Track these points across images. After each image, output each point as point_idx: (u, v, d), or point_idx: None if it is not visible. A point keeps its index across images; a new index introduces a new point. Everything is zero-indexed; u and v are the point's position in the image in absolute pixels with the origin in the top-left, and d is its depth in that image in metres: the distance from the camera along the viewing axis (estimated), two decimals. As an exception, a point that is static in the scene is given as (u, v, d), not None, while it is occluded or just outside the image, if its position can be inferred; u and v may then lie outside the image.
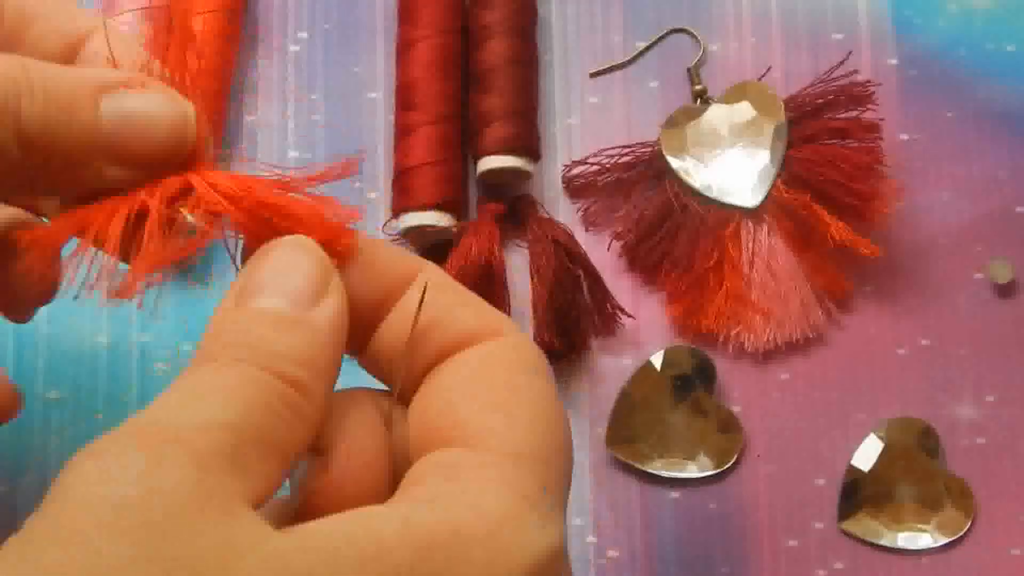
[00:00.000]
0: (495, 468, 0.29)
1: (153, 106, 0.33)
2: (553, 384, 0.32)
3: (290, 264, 0.31)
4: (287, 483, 0.30)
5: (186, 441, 0.27)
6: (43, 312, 0.50)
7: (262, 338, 0.30)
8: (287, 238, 0.32)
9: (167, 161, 0.33)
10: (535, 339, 0.50)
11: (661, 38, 0.55)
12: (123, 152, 0.32)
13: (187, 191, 0.33)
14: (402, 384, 0.32)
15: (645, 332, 0.52)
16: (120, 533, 0.25)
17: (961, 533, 0.50)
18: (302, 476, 0.30)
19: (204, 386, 0.29)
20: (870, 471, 0.50)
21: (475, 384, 0.31)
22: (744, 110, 0.53)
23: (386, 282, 0.33)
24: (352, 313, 0.32)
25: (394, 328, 0.32)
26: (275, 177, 0.34)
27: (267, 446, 0.28)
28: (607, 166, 0.53)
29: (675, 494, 0.50)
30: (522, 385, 0.31)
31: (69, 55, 0.36)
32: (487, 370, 0.31)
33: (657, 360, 0.51)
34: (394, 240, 0.52)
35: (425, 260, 0.34)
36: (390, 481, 0.31)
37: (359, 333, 0.32)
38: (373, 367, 0.33)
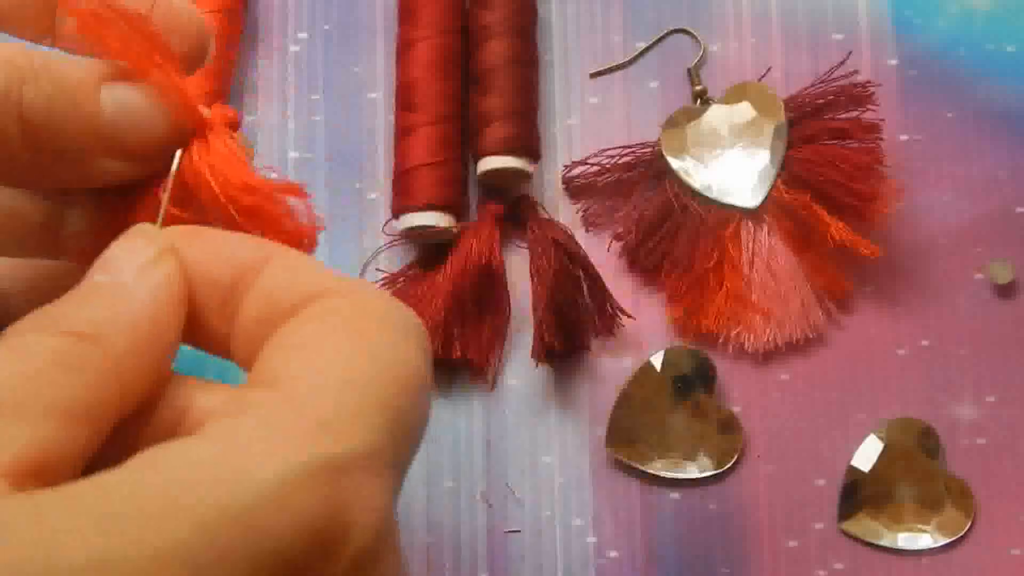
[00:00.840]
0: (267, 409, 0.28)
1: (149, 96, 0.32)
2: (401, 326, 0.31)
3: (123, 246, 0.31)
4: None
5: None
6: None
7: (52, 308, 0.29)
8: (131, 228, 0.32)
9: (167, 151, 0.33)
10: (535, 339, 0.50)
11: (661, 38, 0.55)
12: (123, 144, 0.32)
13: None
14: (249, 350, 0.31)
15: (645, 333, 0.52)
16: None
17: (961, 533, 0.50)
18: None
19: None
20: (870, 471, 0.50)
21: (289, 332, 0.30)
22: (744, 110, 0.53)
23: (235, 269, 0.32)
24: (206, 304, 0.31)
25: (248, 312, 0.31)
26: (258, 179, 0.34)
27: (30, 406, 0.27)
28: (607, 166, 0.53)
29: (675, 495, 0.50)
30: (342, 326, 0.30)
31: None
32: (309, 316, 0.30)
33: (657, 361, 0.51)
34: (394, 240, 0.52)
35: (279, 245, 0.33)
36: None
37: (219, 324, 0.32)
38: (240, 357, 0.32)
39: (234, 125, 0.34)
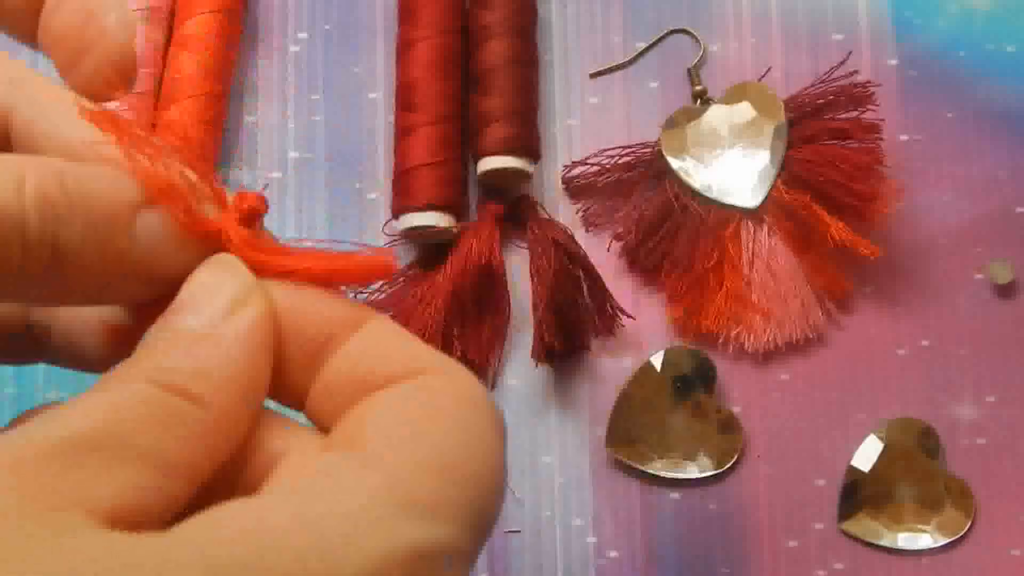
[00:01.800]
0: (363, 467, 0.28)
1: (165, 227, 0.31)
2: (491, 416, 0.31)
3: (208, 282, 0.31)
4: None
5: (13, 449, 0.26)
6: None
7: (156, 356, 0.29)
8: (211, 257, 0.31)
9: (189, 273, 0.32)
10: (535, 339, 0.50)
11: (661, 39, 0.55)
12: (156, 273, 0.31)
13: None
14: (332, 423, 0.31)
15: (645, 333, 0.52)
16: None
17: (961, 533, 0.50)
18: None
19: (75, 402, 0.29)
20: (870, 471, 0.50)
21: (388, 404, 0.30)
22: (744, 110, 0.53)
23: (328, 326, 0.32)
24: (292, 357, 0.31)
25: (335, 372, 0.31)
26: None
27: (130, 452, 0.27)
28: (607, 166, 0.53)
29: (675, 495, 0.50)
30: (442, 409, 0.30)
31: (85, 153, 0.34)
32: (409, 393, 0.30)
33: (657, 361, 0.51)
34: (394, 240, 0.52)
35: (374, 311, 0.33)
36: None
37: (300, 378, 0.32)
38: (316, 414, 0.32)
39: (256, 213, 0.32)
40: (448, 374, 0.31)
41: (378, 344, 0.31)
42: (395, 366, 0.31)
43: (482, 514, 0.29)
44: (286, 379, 0.31)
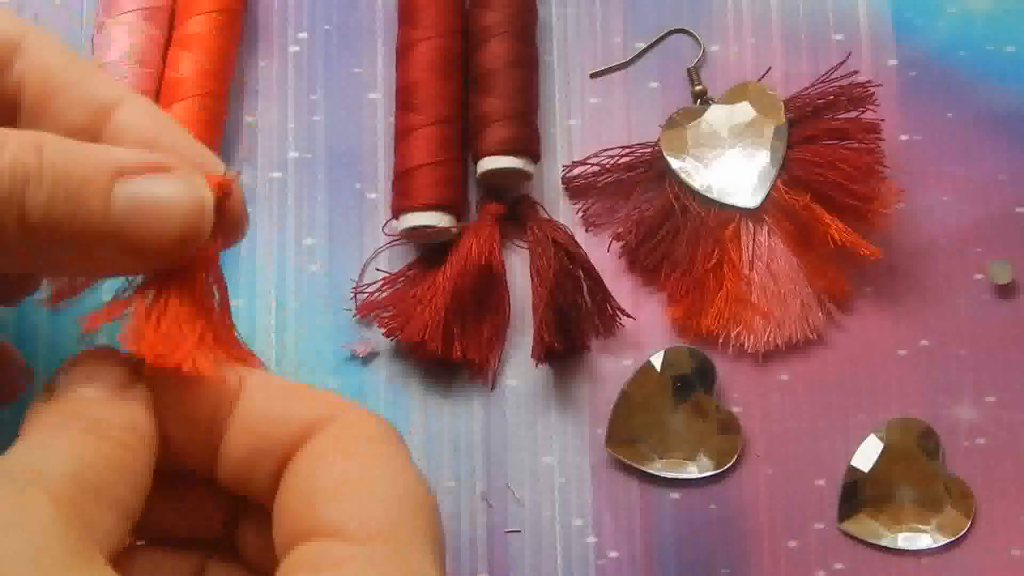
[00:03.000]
0: (356, 558, 0.29)
1: (167, 193, 0.32)
2: (404, 448, 0.33)
3: (97, 368, 0.32)
4: None
5: (44, 483, 0.28)
6: (43, 312, 0.50)
7: (88, 408, 0.31)
8: (89, 350, 0.33)
9: (178, 251, 0.32)
10: (535, 339, 0.50)
11: (661, 39, 0.55)
12: (132, 242, 0.31)
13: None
14: (259, 490, 0.33)
15: (645, 333, 0.52)
16: None
17: (961, 533, 0.50)
18: None
19: (46, 444, 0.30)
20: (870, 472, 0.50)
21: (324, 473, 0.31)
22: (744, 111, 0.53)
23: (216, 400, 0.33)
24: (192, 434, 0.33)
25: (237, 443, 0.33)
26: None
27: (106, 500, 0.29)
28: (607, 167, 0.53)
29: (675, 495, 0.50)
30: (370, 462, 0.32)
31: (95, 127, 0.35)
32: (333, 456, 0.32)
33: (657, 361, 0.51)
34: (394, 240, 0.52)
35: (250, 369, 0.34)
36: None
37: (204, 453, 0.33)
38: (230, 480, 0.33)
39: (224, 190, 0.34)
40: (349, 415, 0.33)
41: (271, 404, 0.33)
42: (296, 422, 0.32)
43: (439, 534, 0.32)
44: (183, 456, 0.33)
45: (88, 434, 0.30)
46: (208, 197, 0.33)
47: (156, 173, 0.32)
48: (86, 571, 0.26)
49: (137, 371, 0.32)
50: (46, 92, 0.35)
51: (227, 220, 0.34)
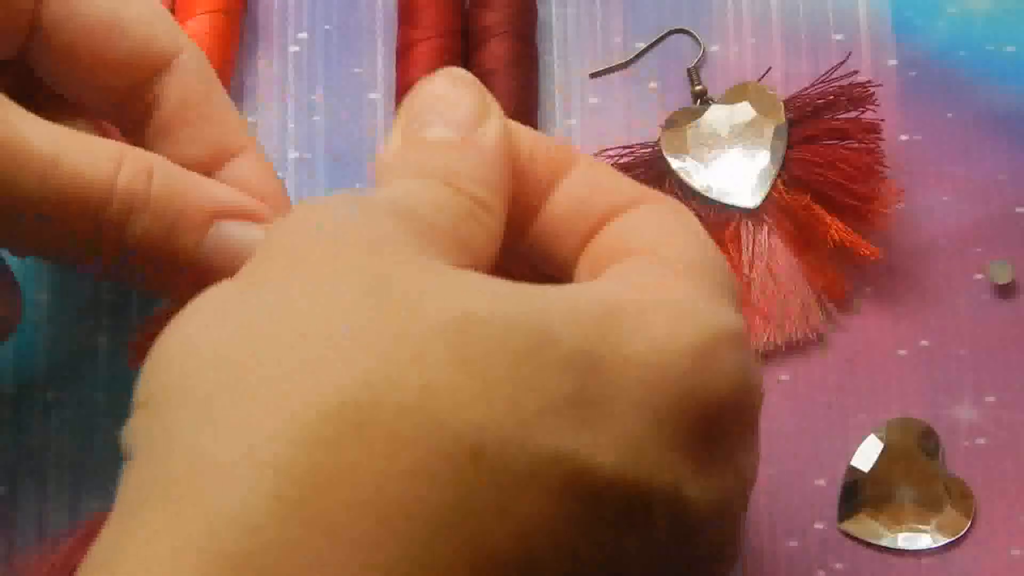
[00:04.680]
0: (670, 267, 0.31)
1: (249, 239, 0.33)
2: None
3: (447, 95, 0.32)
4: None
5: (400, 211, 0.29)
6: (43, 313, 0.50)
7: (440, 160, 0.31)
8: (441, 71, 0.33)
9: None
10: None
11: (661, 39, 0.55)
12: (208, 278, 0.32)
13: None
14: (566, 250, 0.34)
15: (645, 333, 0.52)
16: (349, 269, 0.26)
17: (961, 533, 0.50)
18: None
19: (398, 188, 0.30)
20: (870, 472, 0.50)
21: (643, 220, 0.33)
22: (744, 111, 0.53)
23: (545, 168, 0.34)
24: (515, 199, 0.33)
25: (558, 206, 0.34)
26: None
27: (463, 247, 0.29)
28: (607, 167, 0.53)
29: (675, 495, 0.50)
30: (687, 224, 0.34)
31: (211, 164, 0.36)
32: (649, 214, 0.34)
33: (657, 361, 0.51)
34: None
35: (579, 154, 0.36)
36: None
37: (521, 218, 0.34)
38: (537, 248, 0.34)
39: None
40: (663, 200, 0.36)
41: (597, 180, 0.34)
42: (617, 197, 0.34)
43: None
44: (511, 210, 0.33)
45: (444, 186, 0.30)
46: None
47: (249, 221, 0.33)
48: (446, 278, 0.28)
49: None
50: (177, 118, 0.36)
51: None
